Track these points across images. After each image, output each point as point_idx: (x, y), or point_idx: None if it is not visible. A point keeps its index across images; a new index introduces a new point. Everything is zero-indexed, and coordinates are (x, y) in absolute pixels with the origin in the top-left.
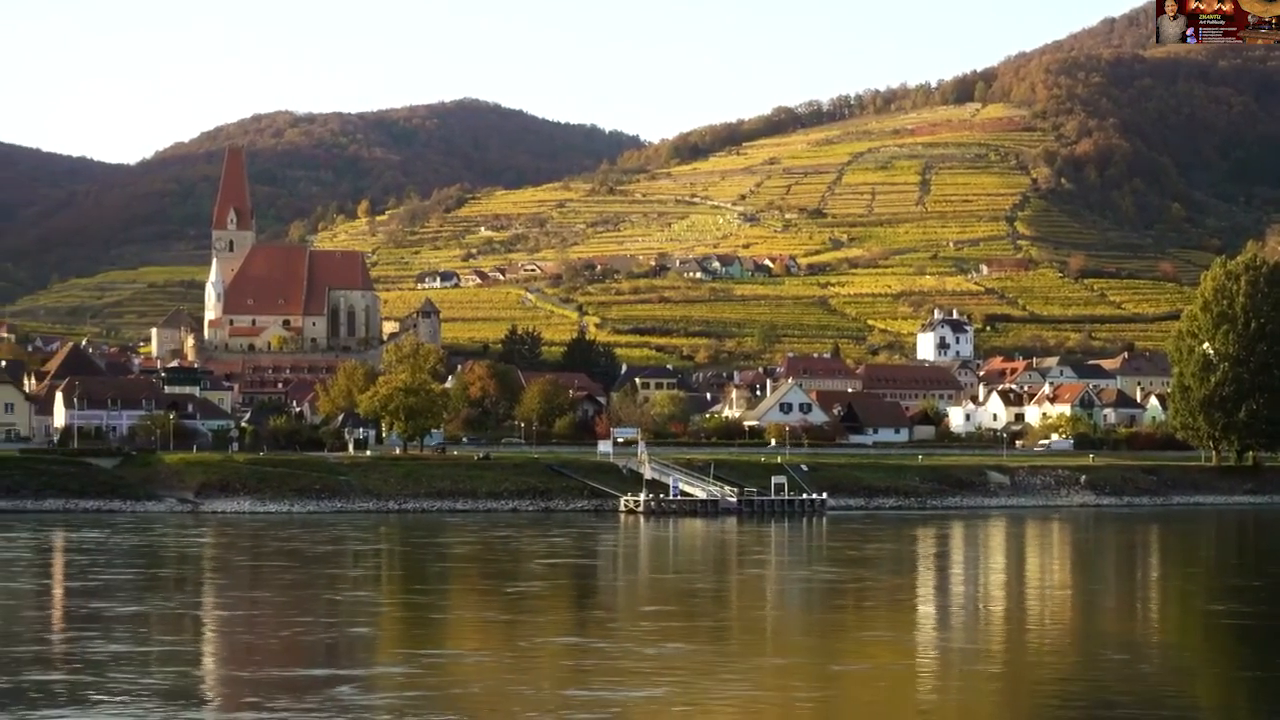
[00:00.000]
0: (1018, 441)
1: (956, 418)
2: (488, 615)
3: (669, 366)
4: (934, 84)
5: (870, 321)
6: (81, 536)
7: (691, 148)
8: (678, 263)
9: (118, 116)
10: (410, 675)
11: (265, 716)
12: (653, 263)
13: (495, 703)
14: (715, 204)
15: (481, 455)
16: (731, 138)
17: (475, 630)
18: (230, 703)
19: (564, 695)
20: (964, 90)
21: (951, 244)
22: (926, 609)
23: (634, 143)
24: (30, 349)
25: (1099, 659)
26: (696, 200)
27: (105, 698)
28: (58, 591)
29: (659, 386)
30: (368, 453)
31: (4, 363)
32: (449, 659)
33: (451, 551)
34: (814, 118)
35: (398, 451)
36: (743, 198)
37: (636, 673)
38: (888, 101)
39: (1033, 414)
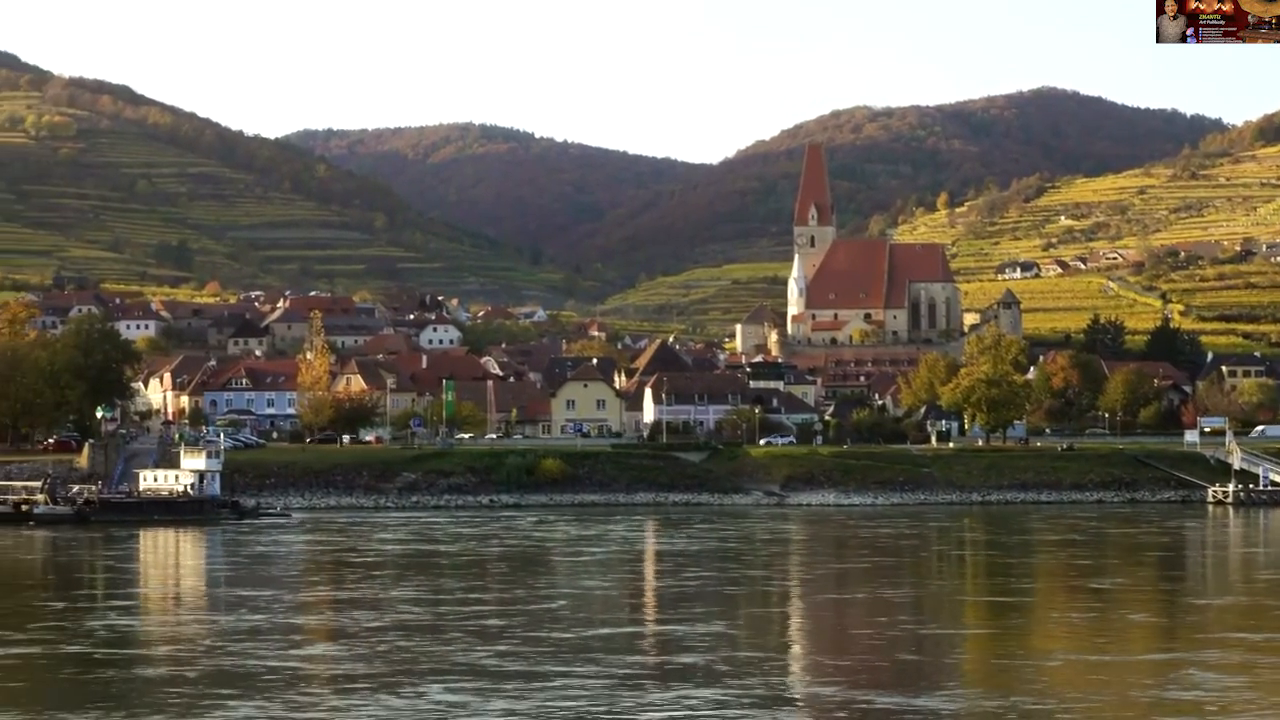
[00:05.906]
0: None
1: None
2: (1259, 602)
3: (1257, 354)
4: None
5: None
6: (774, 527)
7: (1277, 129)
8: (1264, 247)
9: (701, 117)
10: (1239, 658)
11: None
12: (1238, 248)
13: None
14: None
15: (1065, 446)
16: None
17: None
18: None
19: None
20: None
21: None
22: None
23: (1216, 126)
24: (620, 346)
25: None
26: None
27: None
28: (839, 578)
29: (1246, 375)
30: (950, 445)
31: (596, 360)
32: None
33: (1146, 540)
34: None
35: (980, 443)
36: None
37: None
38: None
39: None
